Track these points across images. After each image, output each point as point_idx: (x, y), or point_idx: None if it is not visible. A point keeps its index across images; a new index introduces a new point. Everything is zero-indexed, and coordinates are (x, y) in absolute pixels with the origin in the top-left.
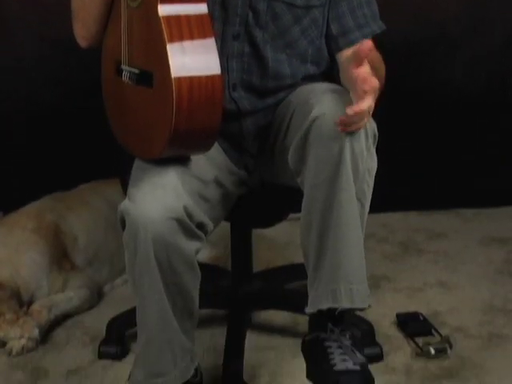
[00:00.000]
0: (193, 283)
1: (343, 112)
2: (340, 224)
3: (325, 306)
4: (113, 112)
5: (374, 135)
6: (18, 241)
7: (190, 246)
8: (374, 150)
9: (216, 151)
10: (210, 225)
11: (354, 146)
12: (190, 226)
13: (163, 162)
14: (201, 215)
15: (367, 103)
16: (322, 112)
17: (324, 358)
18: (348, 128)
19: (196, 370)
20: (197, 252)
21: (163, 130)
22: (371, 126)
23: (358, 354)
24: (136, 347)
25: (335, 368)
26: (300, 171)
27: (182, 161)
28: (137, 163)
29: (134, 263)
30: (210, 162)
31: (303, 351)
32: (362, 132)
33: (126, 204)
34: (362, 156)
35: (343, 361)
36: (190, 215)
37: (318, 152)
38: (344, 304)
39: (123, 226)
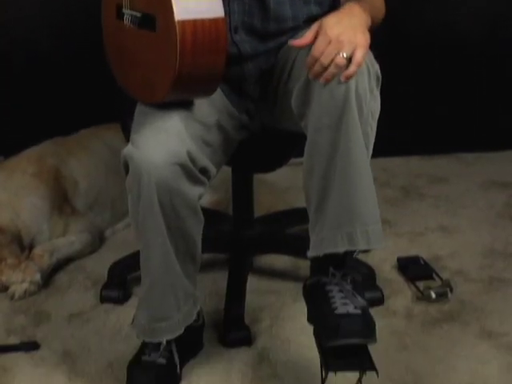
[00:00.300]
0: (196, 228)
1: None
2: (350, 167)
3: (341, 249)
4: (114, 56)
5: (377, 77)
6: (19, 185)
7: (193, 190)
8: (377, 93)
9: (217, 95)
10: (212, 170)
11: (358, 88)
12: (193, 171)
13: (166, 106)
14: (204, 160)
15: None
16: None
17: (325, 301)
18: (318, 74)
19: (198, 314)
20: (200, 197)
21: (166, 74)
22: (374, 67)
23: (359, 298)
24: (139, 291)
25: (336, 312)
26: (303, 115)
27: (184, 105)
28: (139, 108)
29: (137, 207)
30: (211, 106)
31: (304, 295)
32: (366, 73)
33: (129, 149)
34: (366, 97)
35: (344, 304)
36: (193, 160)
37: (322, 95)
38: (361, 246)
39: (126, 171)
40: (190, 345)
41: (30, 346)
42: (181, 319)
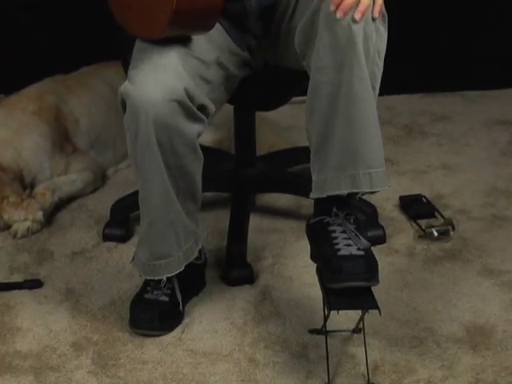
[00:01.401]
0: (195, 166)
1: None
2: (353, 108)
3: (344, 191)
4: None
5: (383, 15)
6: (19, 123)
7: (191, 128)
8: (384, 31)
9: (217, 32)
10: (211, 107)
11: (365, 28)
12: (191, 108)
13: (164, 42)
14: (202, 97)
15: None
16: None
17: (328, 242)
18: (345, 11)
19: (200, 252)
20: (199, 135)
21: (164, 9)
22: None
23: (363, 239)
24: (139, 229)
25: (339, 253)
26: (305, 54)
27: (182, 42)
28: (137, 45)
29: (135, 146)
30: (211, 43)
31: (307, 234)
32: (370, 12)
33: (126, 86)
34: (372, 37)
35: (347, 246)
36: (191, 97)
37: (326, 33)
38: (364, 188)
39: (124, 109)
40: (192, 283)
41: (34, 284)
42: (181, 257)
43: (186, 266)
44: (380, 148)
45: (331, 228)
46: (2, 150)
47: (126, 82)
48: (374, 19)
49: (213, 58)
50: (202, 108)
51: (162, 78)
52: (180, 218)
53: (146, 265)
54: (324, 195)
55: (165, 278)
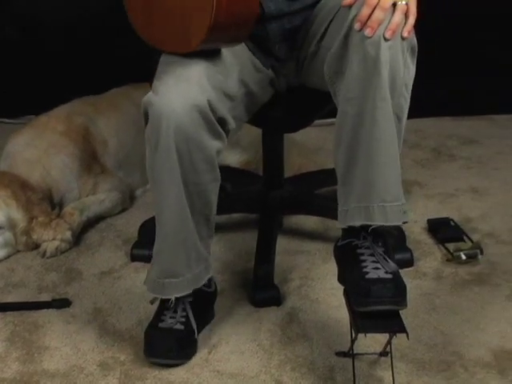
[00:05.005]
0: (212, 186)
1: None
2: (373, 140)
3: (357, 222)
4: (138, 10)
5: (412, 48)
6: (49, 143)
7: (211, 143)
8: (411, 63)
9: (242, 49)
10: (231, 123)
11: (391, 62)
12: (211, 121)
13: (189, 55)
14: (223, 111)
15: None
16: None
17: (356, 265)
18: (373, 27)
19: (210, 280)
20: (218, 152)
21: (202, 22)
22: (408, 39)
23: (391, 262)
24: (154, 245)
25: (367, 276)
26: (334, 83)
27: (207, 56)
28: (163, 58)
29: (154, 156)
30: (235, 59)
31: (335, 256)
32: (399, 46)
33: (149, 96)
34: (399, 71)
35: (375, 269)
36: (212, 109)
37: (356, 61)
38: (377, 221)
39: (146, 121)
40: (203, 312)
41: (62, 303)
42: (190, 279)
43: (197, 294)
44: (398, 183)
45: (359, 251)
46: (31, 169)
47: (150, 93)
48: (403, 39)
49: (236, 75)
50: (222, 122)
51: (185, 89)
52: (192, 239)
53: (155, 282)
54: (344, 226)
55: (173, 299)
